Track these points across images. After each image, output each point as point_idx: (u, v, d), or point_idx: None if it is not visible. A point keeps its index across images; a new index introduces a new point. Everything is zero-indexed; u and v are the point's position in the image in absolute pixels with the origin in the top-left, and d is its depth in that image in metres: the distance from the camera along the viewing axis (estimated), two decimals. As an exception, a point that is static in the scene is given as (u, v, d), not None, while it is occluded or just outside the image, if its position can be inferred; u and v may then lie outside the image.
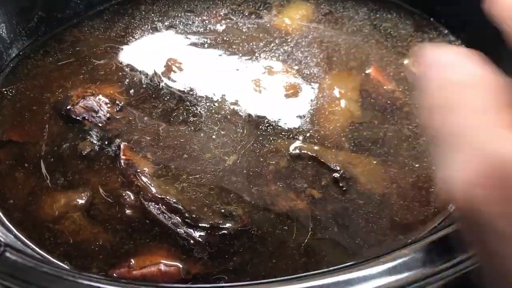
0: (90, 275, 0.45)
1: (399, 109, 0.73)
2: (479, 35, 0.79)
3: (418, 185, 0.65)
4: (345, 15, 0.89)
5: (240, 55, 0.82)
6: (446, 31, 0.85)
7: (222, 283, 0.56)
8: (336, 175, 0.65)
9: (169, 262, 0.58)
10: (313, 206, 0.63)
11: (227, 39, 0.85)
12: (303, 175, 0.66)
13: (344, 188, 0.64)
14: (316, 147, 0.68)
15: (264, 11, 0.90)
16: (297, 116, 0.72)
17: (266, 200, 0.64)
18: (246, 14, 0.90)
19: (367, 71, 0.78)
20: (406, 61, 0.80)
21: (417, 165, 0.67)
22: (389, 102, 0.75)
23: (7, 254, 0.45)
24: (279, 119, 0.72)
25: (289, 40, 0.84)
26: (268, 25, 0.87)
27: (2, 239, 0.53)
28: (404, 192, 0.64)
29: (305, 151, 0.68)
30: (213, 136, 0.70)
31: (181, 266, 0.58)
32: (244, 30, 0.86)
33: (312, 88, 0.76)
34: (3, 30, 0.78)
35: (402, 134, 0.71)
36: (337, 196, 0.64)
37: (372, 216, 0.62)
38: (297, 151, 0.69)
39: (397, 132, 0.71)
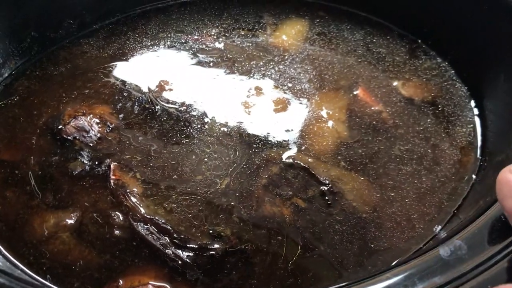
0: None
1: (386, 130, 0.74)
2: (464, 56, 0.81)
3: (404, 207, 0.66)
4: (340, 35, 0.91)
5: (231, 74, 0.83)
6: (433, 53, 0.87)
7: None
8: (324, 188, 0.66)
9: (157, 283, 0.58)
10: (296, 215, 0.64)
11: (217, 59, 0.86)
12: (292, 183, 0.67)
13: (329, 202, 0.65)
14: (310, 159, 0.70)
15: (259, 30, 0.92)
16: (288, 133, 0.74)
17: (252, 206, 0.65)
18: (237, 33, 0.91)
19: (355, 92, 0.80)
20: (395, 83, 0.81)
21: (405, 187, 0.68)
22: (375, 122, 0.76)
23: (-6, 277, 0.46)
24: (271, 137, 0.73)
25: (282, 58, 0.86)
26: (263, 43, 0.89)
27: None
28: (388, 215, 0.65)
29: (298, 161, 0.69)
30: (205, 159, 0.70)
31: (168, 287, 0.58)
32: (236, 49, 0.88)
33: (303, 106, 0.78)
34: (-4, 50, 0.79)
35: (391, 154, 0.72)
36: (320, 208, 0.65)
37: (350, 235, 0.63)
38: (291, 160, 0.70)
39: (386, 153, 0.72)
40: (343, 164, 0.70)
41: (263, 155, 0.71)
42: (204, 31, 0.91)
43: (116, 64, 0.85)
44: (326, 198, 0.66)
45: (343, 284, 0.45)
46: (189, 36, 0.90)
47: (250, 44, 0.89)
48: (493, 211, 0.49)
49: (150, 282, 0.58)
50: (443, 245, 0.47)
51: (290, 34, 0.91)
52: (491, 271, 0.43)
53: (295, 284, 0.58)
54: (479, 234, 0.47)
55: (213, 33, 0.91)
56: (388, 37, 0.90)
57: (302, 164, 0.69)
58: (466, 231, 0.48)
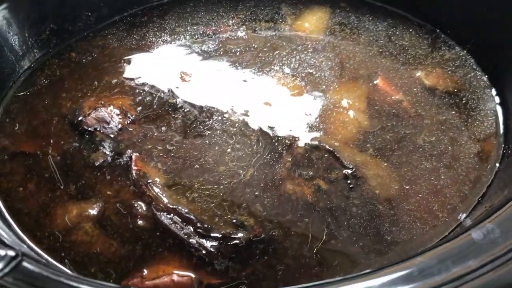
0: (106, 284, 0.45)
1: (407, 119, 0.74)
2: (484, 44, 0.80)
3: (427, 196, 0.65)
4: (361, 26, 0.91)
5: (252, 64, 0.83)
6: (452, 42, 0.86)
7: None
8: (347, 171, 0.66)
9: (181, 273, 0.58)
10: (316, 195, 0.64)
11: (242, 49, 0.86)
12: (315, 165, 0.67)
13: (351, 186, 0.65)
14: (336, 143, 0.69)
15: (279, 20, 0.92)
16: (310, 121, 0.74)
17: (275, 183, 0.65)
18: (257, 24, 0.91)
19: (375, 82, 0.79)
20: (416, 73, 0.81)
21: (427, 176, 0.67)
22: (394, 110, 0.75)
23: (24, 264, 0.46)
24: (294, 125, 0.73)
25: (305, 48, 0.86)
26: (284, 33, 0.89)
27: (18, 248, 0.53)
28: (411, 204, 0.65)
29: (324, 144, 0.69)
30: (228, 150, 0.70)
31: (193, 276, 0.58)
32: (258, 39, 0.87)
33: (325, 94, 0.78)
34: (16, 43, 0.80)
35: (413, 143, 0.71)
36: (342, 191, 0.65)
37: (371, 221, 0.63)
38: (316, 142, 0.70)
39: (409, 142, 0.71)
40: (369, 151, 0.70)
41: (287, 141, 0.70)
42: (221, 22, 0.91)
43: (135, 56, 0.85)
44: (349, 181, 0.66)
45: (378, 267, 0.45)
46: (207, 28, 0.90)
47: (273, 34, 0.89)
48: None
49: (175, 272, 0.58)
50: (475, 229, 0.46)
51: (311, 23, 0.91)
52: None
53: (320, 272, 0.58)
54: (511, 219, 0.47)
55: (230, 24, 0.90)
56: (410, 30, 0.89)
57: (327, 146, 0.69)
58: (497, 216, 0.48)
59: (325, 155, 0.68)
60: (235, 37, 0.89)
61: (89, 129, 0.72)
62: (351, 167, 0.67)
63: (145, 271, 0.59)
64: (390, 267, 0.44)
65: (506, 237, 0.45)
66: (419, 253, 0.45)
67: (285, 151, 0.69)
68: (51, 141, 0.72)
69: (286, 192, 0.65)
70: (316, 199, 0.64)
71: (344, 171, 0.66)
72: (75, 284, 0.44)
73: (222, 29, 0.89)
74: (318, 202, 0.64)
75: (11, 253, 0.46)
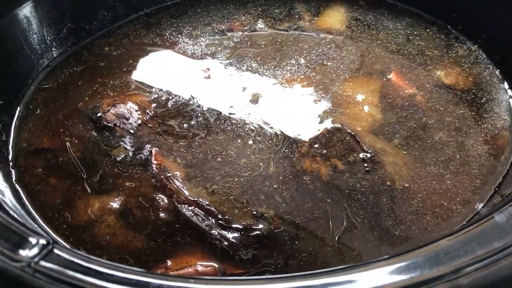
0: (135, 269, 0.46)
1: (422, 113, 0.75)
2: (495, 39, 0.82)
3: (444, 186, 0.67)
4: (380, 23, 0.92)
5: (270, 58, 0.85)
6: (463, 38, 0.87)
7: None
8: (366, 155, 0.68)
9: (205, 263, 0.59)
10: (332, 175, 0.67)
11: (252, 45, 0.88)
12: (335, 146, 0.70)
13: (367, 169, 0.67)
14: (359, 128, 0.72)
15: (295, 17, 0.94)
16: (329, 113, 0.75)
17: (294, 173, 0.67)
18: (270, 21, 0.93)
19: (388, 76, 0.80)
20: (438, 73, 0.82)
21: (444, 167, 0.69)
22: (407, 103, 0.76)
23: (56, 251, 0.46)
24: (313, 118, 0.75)
25: (323, 43, 0.88)
26: (301, 30, 0.91)
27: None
28: (428, 192, 0.66)
29: (346, 127, 0.72)
30: (250, 142, 0.71)
31: (217, 266, 0.59)
32: (272, 35, 0.89)
33: (344, 88, 0.79)
34: (35, 41, 0.81)
35: (429, 136, 0.72)
36: (357, 174, 0.66)
37: (386, 207, 0.64)
38: (339, 125, 0.72)
39: (424, 134, 0.72)
40: (392, 140, 0.71)
41: (305, 133, 0.72)
42: (235, 19, 0.93)
43: (151, 55, 0.87)
44: (366, 165, 0.67)
45: (404, 251, 0.46)
46: (222, 24, 0.91)
47: (292, 30, 0.91)
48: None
49: (198, 263, 0.59)
50: (498, 212, 0.47)
51: (330, 20, 0.93)
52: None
53: (342, 260, 0.59)
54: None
55: (244, 20, 0.92)
56: (427, 30, 0.90)
57: (349, 130, 0.71)
58: (519, 200, 0.49)
59: (346, 138, 0.70)
60: (252, 33, 0.90)
61: (109, 124, 0.73)
62: (370, 151, 0.69)
63: (169, 262, 0.60)
64: (416, 250, 0.45)
65: (529, 219, 0.46)
66: (444, 236, 0.46)
67: (303, 143, 0.71)
68: (72, 137, 0.73)
69: (303, 168, 0.67)
70: (331, 179, 0.66)
71: (362, 155, 0.68)
72: (104, 270, 0.45)
73: (237, 26, 0.91)
74: (333, 182, 0.66)
75: (43, 241, 0.46)
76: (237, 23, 0.92)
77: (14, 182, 0.68)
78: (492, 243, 0.44)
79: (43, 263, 0.44)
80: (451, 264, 0.43)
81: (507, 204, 0.49)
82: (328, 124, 0.73)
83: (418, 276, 0.42)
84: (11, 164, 0.71)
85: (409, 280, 0.42)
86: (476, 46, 0.85)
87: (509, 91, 0.78)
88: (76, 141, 0.73)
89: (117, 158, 0.70)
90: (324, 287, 0.42)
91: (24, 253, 0.44)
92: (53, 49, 0.84)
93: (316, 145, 0.70)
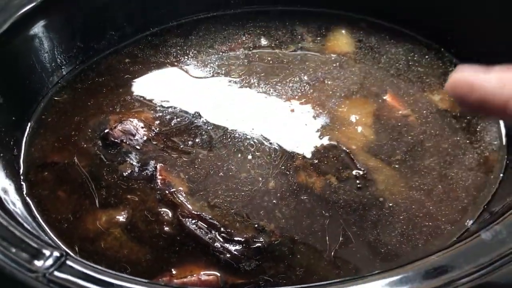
0: (147, 281, 0.49)
1: (414, 133, 0.79)
2: (485, 62, 0.85)
3: (434, 204, 0.70)
4: (382, 48, 0.96)
5: (271, 78, 0.89)
6: (455, 60, 0.91)
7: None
8: (358, 172, 0.72)
9: (208, 272, 0.62)
10: (326, 190, 0.71)
11: (254, 64, 0.92)
12: (331, 162, 0.74)
13: (359, 186, 0.71)
14: (354, 146, 0.76)
15: (295, 40, 0.97)
16: (325, 132, 0.79)
17: (290, 169, 0.73)
18: (273, 44, 0.97)
19: (384, 97, 0.84)
20: (433, 97, 0.85)
21: (434, 184, 0.72)
22: (400, 124, 0.80)
23: (68, 262, 0.49)
24: (310, 135, 0.79)
25: (324, 64, 0.92)
26: (304, 52, 0.95)
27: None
28: (417, 211, 0.69)
29: (342, 145, 0.76)
30: (249, 157, 0.75)
31: (219, 275, 0.62)
32: (273, 57, 0.93)
33: (341, 109, 0.83)
34: (46, 60, 0.84)
35: (420, 154, 0.76)
36: (351, 190, 0.70)
37: (379, 224, 0.68)
38: (335, 142, 0.76)
39: (415, 153, 0.76)
40: (381, 158, 0.75)
41: (302, 149, 0.76)
42: (238, 40, 0.97)
43: (156, 73, 0.90)
44: (358, 182, 0.71)
45: (395, 267, 0.49)
46: (224, 45, 0.95)
47: (294, 50, 0.95)
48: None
49: (202, 272, 0.62)
50: (484, 230, 0.50)
51: (337, 41, 0.97)
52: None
53: (337, 274, 0.62)
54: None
55: (245, 40, 0.96)
56: (426, 57, 0.94)
57: (344, 148, 0.75)
58: (504, 219, 0.52)
59: (341, 155, 0.74)
60: (256, 52, 0.94)
61: (116, 140, 0.76)
62: (362, 169, 0.72)
63: (174, 271, 0.63)
64: (407, 265, 0.48)
65: (512, 236, 0.49)
66: (434, 253, 0.49)
67: (300, 158, 0.75)
68: (80, 152, 0.76)
69: (297, 181, 0.71)
70: (327, 194, 0.70)
71: (355, 172, 0.72)
72: (115, 281, 0.48)
73: (239, 45, 0.95)
74: (329, 197, 0.70)
75: (56, 253, 0.49)
76: (239, 43, 0.96)
77: (25, 195, 0.71)
78: (479, 259, 0.47)
79: (57, 273, 0.47)
80: (440, 278, 0.46)
81: (493, 222, 0.52)
82: (324, 141, 0.77)
83: (410, 290, 0.45)
84: (22, 177, 0.74)
85: (400, 293, 0.45)
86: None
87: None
88: (84, 156, 0.76)
89: (124, 173, 0.73)
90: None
91: (39, 264, 0.47)
92: (63, 67, 0.88)
93: (313, 161, 0.74)
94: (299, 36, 0.97)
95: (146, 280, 0.49)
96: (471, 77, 0.39)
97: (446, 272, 0.47)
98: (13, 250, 0.49)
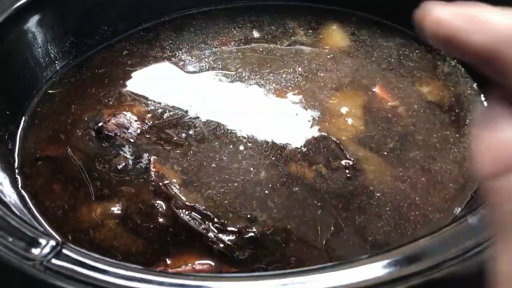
0: (141, 268, 0.50)
1: (403, 124, 0.80)
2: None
3: (423, 193, 0.71)
4: (375, 43, 0.97)
5: (264, 70, 0.90)
6: (443, 53, 0.93)
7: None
8: (348, 163, 0.73)
9: (203, 261, 0.63)
10: (316, 179, 0.72)
11: (246, 58, 0.93)
12: (321, 153, 0.75)
13: (349, 175, 0.72)
14: (344, 138, 0.77)
15: (287, 35, 0.98)
16: (315, 124, 0.80)
17: (281, 160, 0.74)
18: (266, 38, 0.98)
19: (373, 89, 0.85)
20: (423, 89, 0.87)
21: (423, 174, 0.73)
22: (390, 115, 0.81)
23: (64, 251, 0.50)
24: (302, 126, 0.80)
25: (317, 58, 0.93)
26: (296, 47, 0.96)
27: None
28: (407, 199, 0.71)
29: (332, 136, 0.77)
30: (241, 148, 0.76)
31: (213, 264, 0.63)
32: (266, 50, 0.94)
33: (329, 100, 0.84)
34: (39, 55, 0.85)
35: (409, 146, 0.77)
36: (340, 179, 0.71)
37: (368, 212, 0.69)
38: (325, 133, 0.77)
39: (405, 144, 0.77)
40: (370, 148, 0.76)
41: (293, 140, 0.77)
42: (231, 34, 0.98)
43: (149, 67, 0.91)
44: (347, 171, 0.72)
45: (380, 251, 0.50)
46: (216, 40, 0.96)
47: (287, 45, 0.96)
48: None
49: (196, 262, 0.63)
50: (471, 215, 0.52)
51: (326, 36, 0.98)
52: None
53: (330, 261, 0.63)
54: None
55: (237, 35, 0.97)
56: (417, 51, 0.95)
57: (334, 139, 0.76)
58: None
59: (332, 146, 0.75)
60: (248, 46, 0.95)
61: (110, 134, 0.77)
62: (352, 159, 0.74)
63: (168, 261, 0.64)
64: (396, 249, 0.50)
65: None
66: (422, 237, 0.51)
67: (291, 148, 0.76)
68: (74, 145, 0.77)
69: (289, 171, 0.72)
70: (317, 184, 0.71)
71: (345, 162, 0.73)
72: (110, 268, 0.49)
73: (231, 40, 0.96)
74: (319, 187, 0.71)
75: (52, 242, 0.50)
76: (231, 37, 0.97)
77: (20, 188, 0.72)
78: (465, 242, 0.49)
79: (54, 261, 0.48)
80: (428, 261, 0.47)
81: (479, 207, 0.54)
82: (315, 132, 0.78)
83: (398, 272, 0.47)
84: (17, 171, 0.74)
85: (389, 275, 0.46)
86: (455, 61, 0.91)
87: (485, 103, 0.83)
88: (79, 149, 0.76)
89: (118, 166, 0.73)
90: (311, 282, 0.46)
91: (36, 252, 0.48)
92: (56, 62, 0.89)
93: (303, 152, 0.75)
94: (291, 30, 0.99)
95: (141, 267, 0.49)
96: (438, 11, 0.33)
97: (433, 255, 0.48)
98: (10, 239, 0.50)
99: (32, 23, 0.82)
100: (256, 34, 0.98)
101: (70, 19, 0.88)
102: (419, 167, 0.74)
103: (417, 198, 0.70)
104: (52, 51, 0.87)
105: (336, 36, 0.98)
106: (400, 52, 0.94)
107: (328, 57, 0.93)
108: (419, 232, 0.67)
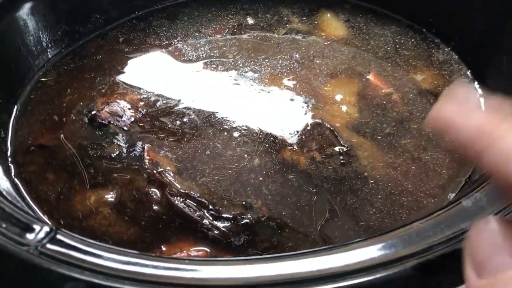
0: (136, 252, 0.49)
1: (397, 110, 0.80)
2: (466, 41, 0.88)
3: (417, 179, 0.72)
4: (371, 31, 0.97)
5: (260, 56, 0.90)
6: (437, 40, 0.93)
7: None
8: (342, 149, 0.73)
9: (198, 248, 0.63)
10: (310, 165, 0.72)
11: (241, 46, 0.92)
12: (315, 139, 0.75)
13: (343, 161, 0.72)
14: (338, 124, 0.78)
15: (282, 23, 0.98)
16: (309, 112, 0.80)
17: (275, 146, 0.74)
18: (261, 26, 0.98)
19: (367, 77, 0.85)
20: (417, 78, 0.87)
21: (416, 161, 0.74)
22: (384, 102, 0.81)
23: (59, 236, 0.50)
24: (296, 113, 0.80)
25: (311, 46, 0.93)
26: (289, 35, 0.96)
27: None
28: (401, 185, 0.71)
29: (326, 123, 0.77)
30: (235, 134, 0.76)
31: (208, 250, 0.63)
32: (253, 40, 0.93)
33: (323, 86, 0.84)
34: (31, 43, 0.84)
35: (403, 132, 0.77)
36: (334, 166, 0.72)
37: (363, 198, 0.69)
38: (320, 120, 0.78)
39: (398, 130, 0.77)
40: (364, 135, 0.77)
41: (287, 127, 0.77)
42: (225, 23, 0.98)
43: (142, 55, 0.91)
44: (341, 158, 0.73)
45: (376, 235, 0.50)
46: (210, 28, 0.96)
47: (283, 32, 0.96)
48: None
49: (191, 248, 0.63)
50: (465, 198, 0.52)
51: (322, 24, 0.98)
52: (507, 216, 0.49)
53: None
54: (495, 189, 0.53)
55: (232, 23, 0.97)
56: (412, 40, 0.95)
57: (328, 125, 0.77)
58: (484, 187, 0.54)
59: (326, 132, 0.76)
60: (242, 36, 0.95)
61: (103, 122, 0.76)
62: (346, 146, 0.74)
63: (164, 248, 0.64)
64: (391, 232, 0.50)
65: (491, 203, 0.51)
66: (416, 220, 0.51)
67: (285, 135, 0.76)
68: (67, 133, 0.76)
69: (283, 158, 0.73)
70: (312, 170, 0.71)
71: (338, 148, 0.74)
72: (104, 253, 0.49)
73: (226, 28, 0.95)
74: (314, 173, 0.71)
75: (46, 228, 0.50)
76: (225, 25, 0.97)
77: (14, 177, 0.71)
78: (459, 225, 0.49)
79: (48, 246, 0.48)
80: (422, 243, 0.48)
81: (473, 191, 0.54)
82: (309, 119, 0.78)
83: (393, 254, 0.47)
84: (10, 159, 0.74)
85: (384, 257, 0.46)
86: (449, 48, 0.91)
87: (479, 90, 0.84)
88: (72, 137, 0.76)
89: (112, 154, 0.73)
90: (305, 265, 0.46)
91: (30, 237, 0.48)
92: (49, 51, 0.88)
93: (297, 138, 0.75)
94: (285, 18, 0.98)
95: (135, 252, 0.49)
96: (451, 114, 0.37)
97: (428, 237, 0.48)
98: (4, 225, 0.49)
99: (23, 11, 0.81)
100: (250, 21, 0.98)
101: (62, 7, 0.87)
102: (412, 154, 0.74)
103: (409, 185, 0.71)
104: (44, 39, 0.87)
105: (332, 23, 0.97)
106: (396, 40, 0.94)
107: (325, 44, 0.93)
108: (413, 217, 0.67)
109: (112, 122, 0.76)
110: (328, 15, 0.99)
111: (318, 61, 0.89)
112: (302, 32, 0.96)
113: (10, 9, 0.79)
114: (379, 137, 0.76)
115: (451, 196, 0.69)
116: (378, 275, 0.45)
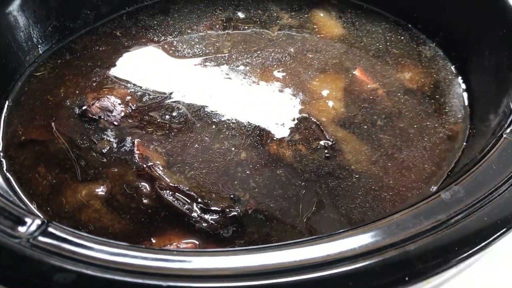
0: (126, 244, 0.51)
1: (380, 104, 0.82)
2: (451, 37, 0.89)
3: (400, 172, 0.73)
4: (363, 28, 0.99)
5: (245, 57, 0.91)
6: (423, 36, 0.94)
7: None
8: (327, 143, 0.75)
9: (186, 240, 0.65)
10: (296, 157, 0.74)
11: (232, 42, 0.94)
12: (301, 133, 0.77)
13: (327, 155, 0.74)
14: (323, 119, 0.79)
15: (274, 20, 1.00)
16: (296, 108, 0.81)
17: (262, 140, 0.76)
18: (253, 23, 0.99)
19: (353, 72, 0.87)
20: (405, 75, 0.88)
21: (401, 153, 0.75)
22: (370, 97, 0.83)
23: (50, 229, 0.51)
24: (284, 109, 0.81)
25: (302, 43, 0.95)
26: (283, 31, 0.97)
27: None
28: (385, 178, 0.73)
29: (312, 117, 0.79)
30: (223, 129, 0.78)
31: (197, 243, 0.64)
32: (248, 37, 0.95)
33: (311, 81, 0.86)
34: (22, 39, 0.85)
35: (387, 126, 0.79)
36: (318, 159, 0.74)
37: (347, 191, 0.71)
38: (306, 114, 0.80)
39: (383, 124, 0.79)
40: (349, 129, 0.78)
41: (274, 122, 0.79)
42: (215, 19, 0.99)
43: (132, 51, 0.92)
44: (326, 151, 0.74)
45: (357, 226, 0.52)
46: (201, 25, 0.97)
47: (273, 29, 0.98)
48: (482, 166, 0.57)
49: (181, 241, 0.65)
50: (444, 190, 0.54)
51: (312, 21, 0.99)
52: (484, 208, 0.51)
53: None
54: (473, 181, 0.55)
55: (222, 20, 0.99)
56: (402, 38, 0.96)
57: (315, 120, 0.78)
58: (462, 180, 0.56)
59: (312, 127, 0.77)
60: (233, 28, 0.97)
61: (94, 117, 0.77)
62: (331, 140, 0.76)
63: (153, 240, 0.65)
64: (372, 223, 0.52)
65: (469, 196, 0.53)
66: (397, 212, 0.53)
67: (272, 129, 0.78)
68: (58, 128, 0.78)
69: (269, 151, 0.75)
70: (298, 164, 0.73)
71: (324, 142, 0.75)
72: (95, 245, 0.50)
73: (217, 24, 0.97)
74: (300, 167, 0.73)
75: (38, 220, 0.51)
76: (216, 20, 0.98)
77: (5, 171, 0.73)
78: (437, 216, 0.51)
79: (40, 238, 0.49)
80: (401, 234, 0.50)
81: (452, 183, 0.56)
82: (296, 113, 0.80)
83: (373, 245, 0.49)
84: (1, 154, 0.75)
85: (365, 248, 0.48)
86: (434, 44, 0.92)
87: (463, 85, 0.85)
88: (63, 132, 0.77)
89: (102, 149, 0.74)
90: (290, 255, 0.48)
91: (22, 230, 0.49)
92: (39, 46, 0.89)
93: (284, 132, 0.77)
94: (275, 14, 1.00)
95: (125, 244, 0.51)
96: None
97: (407, 228, 0.50)
98: (-4, 218, 0.51)
99: (13, 7, 0.82)
100: (241, 15, 0.99)
101: (52, 3, 0.88)
102: (397, 148, 0.76)
103: (395, 177, 0.73)
104: (35, 35, 0.88)
105: (326, 20, 0.99)
106: (387, 37, 0.96)
107: (318, 38, 0.95)
108: (395, 209, 0.69)
109: (102, 117, 0.78)
110: (322, 14, 1.00)
111: (310, 55, 0.90)
112: (295, 27, 0.97)
113: (0, 5, 0.80)
114: (364, 132, 0.78)
115: (434, 189, 0.71)
116: (358, 265, 0.47)
